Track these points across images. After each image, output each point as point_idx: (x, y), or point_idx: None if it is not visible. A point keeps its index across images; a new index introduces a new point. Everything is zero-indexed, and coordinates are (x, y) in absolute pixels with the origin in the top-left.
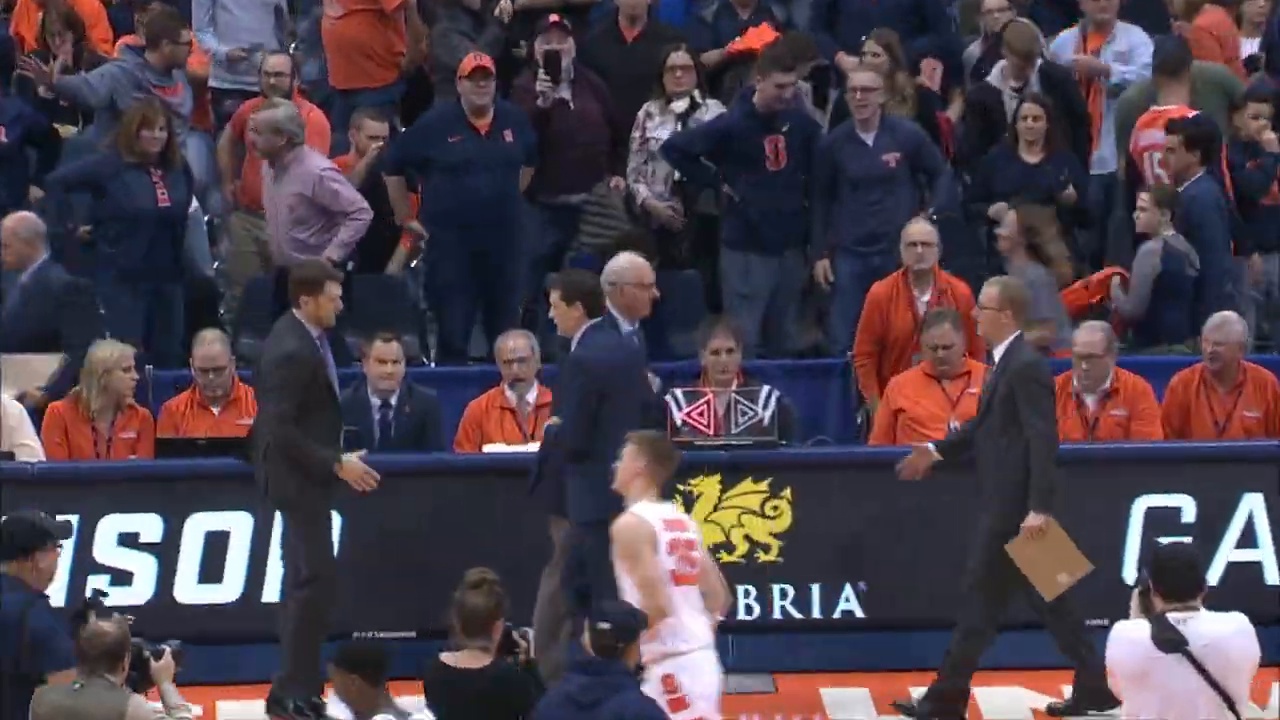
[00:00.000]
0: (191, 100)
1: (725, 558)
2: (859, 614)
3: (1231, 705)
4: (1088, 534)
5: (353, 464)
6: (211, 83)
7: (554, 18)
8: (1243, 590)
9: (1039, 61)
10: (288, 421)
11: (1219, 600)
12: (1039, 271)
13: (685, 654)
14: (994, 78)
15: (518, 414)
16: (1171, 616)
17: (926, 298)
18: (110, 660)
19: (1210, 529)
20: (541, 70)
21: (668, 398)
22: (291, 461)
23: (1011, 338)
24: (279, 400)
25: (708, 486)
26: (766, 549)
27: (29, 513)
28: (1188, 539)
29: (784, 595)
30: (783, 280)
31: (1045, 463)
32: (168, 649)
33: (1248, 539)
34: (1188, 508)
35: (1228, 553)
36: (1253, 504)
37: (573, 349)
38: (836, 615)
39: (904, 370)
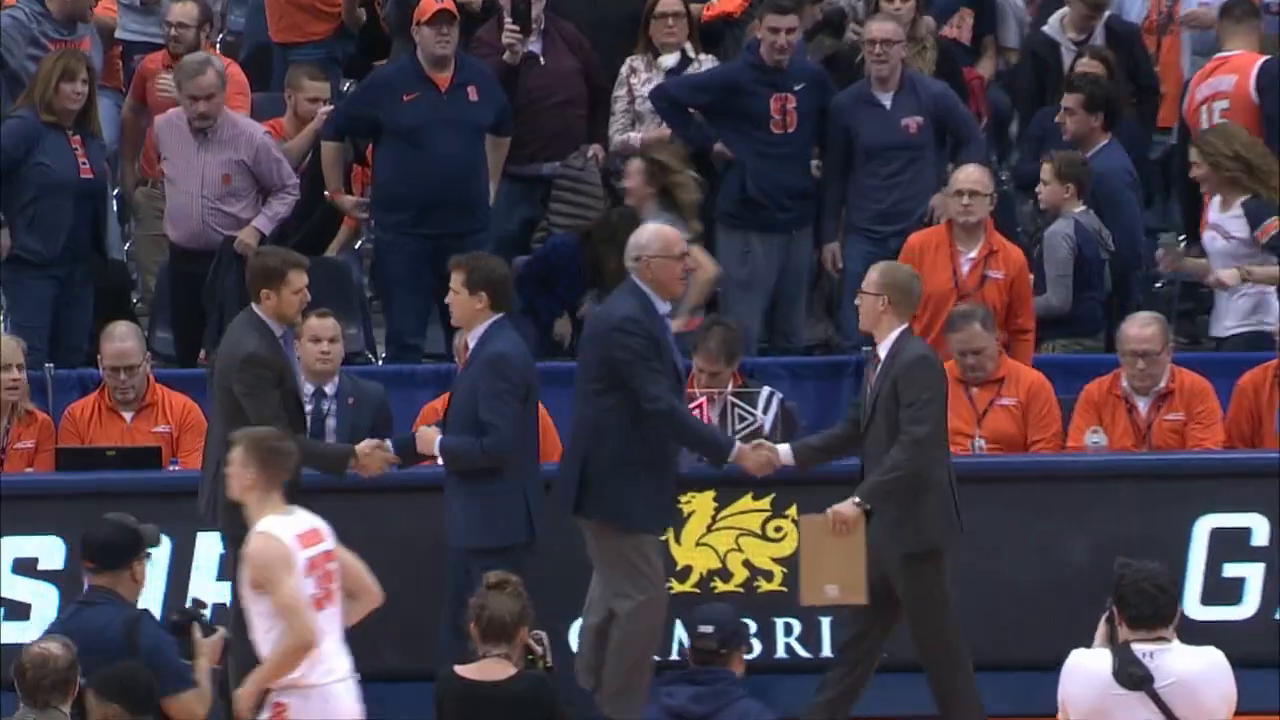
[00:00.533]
0: (101, 56)
1: (720, 586)
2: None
3: None
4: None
5: (371, 454)
6: (119, 34)
7: None
8: None
9: (1106, 13)
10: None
11: None
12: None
13: (318, 686)
14: (1052, 28)
15: None
16: (1138, 649)
17: (973, 254)
18: (63, 690)
19: None
20: (508, 19)
21: None
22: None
23: (898, 330)
24: (255, 409)
25: (700, 504)
26: (769, 576)
27: (119, 516)
28: (1260, 565)
29: (789, 631)
30: (789, 265)
31: (902, 466)
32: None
33: None
34: (1259, 528)
35: None
36: None
37: (474, 345)
38: None
39: (935, 337)
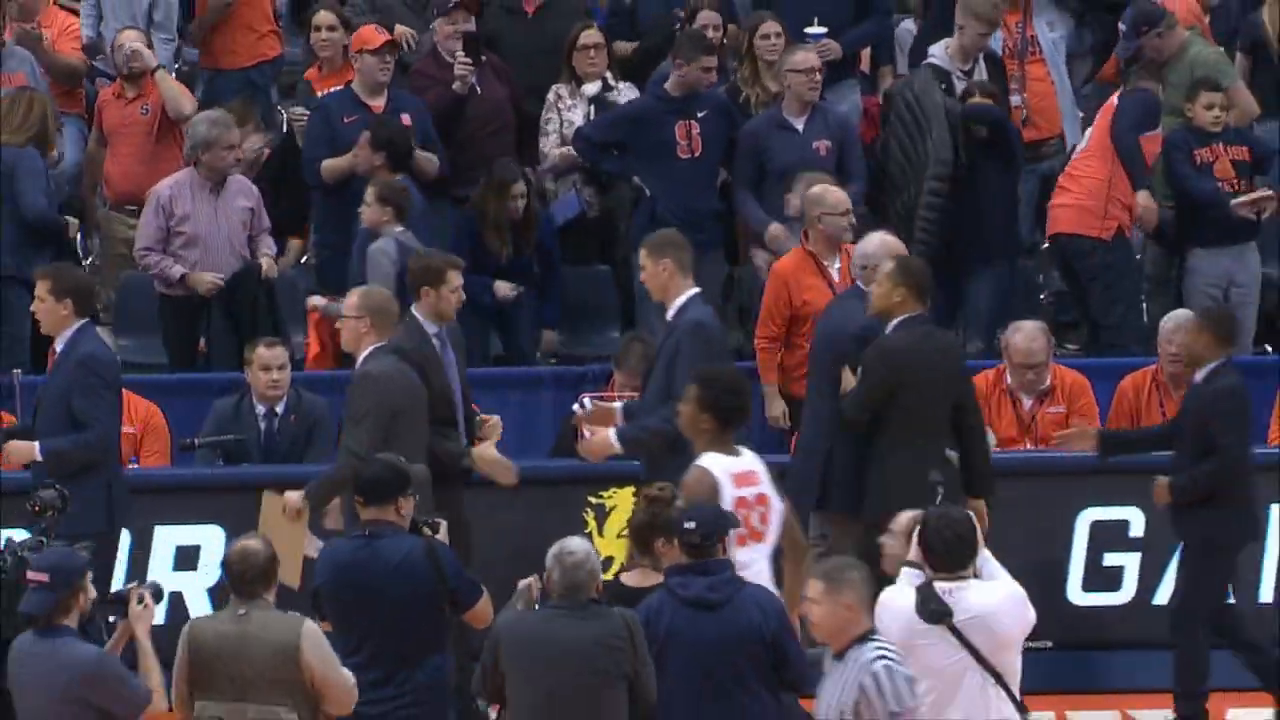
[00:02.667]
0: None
1: None
2: None
3: (1000, 680)
4: (1027, 549)
5: (486, 454)
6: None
7: None
8: None
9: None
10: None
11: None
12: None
13: None
14: (940, 58)
15: None
16: (939, 586)
17: (838, 265)
18: (266, 580)
19: (1161, 544)
20: (461, 53)
21: (575, 405)
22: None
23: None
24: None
25: (622, 499)
26: None
27: (389, 456)
28: (1137, 554)
29: None
30: (699, 282)
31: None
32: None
33: None
34: (1136, 521)
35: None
36: None
37: (63, 348)
38: None
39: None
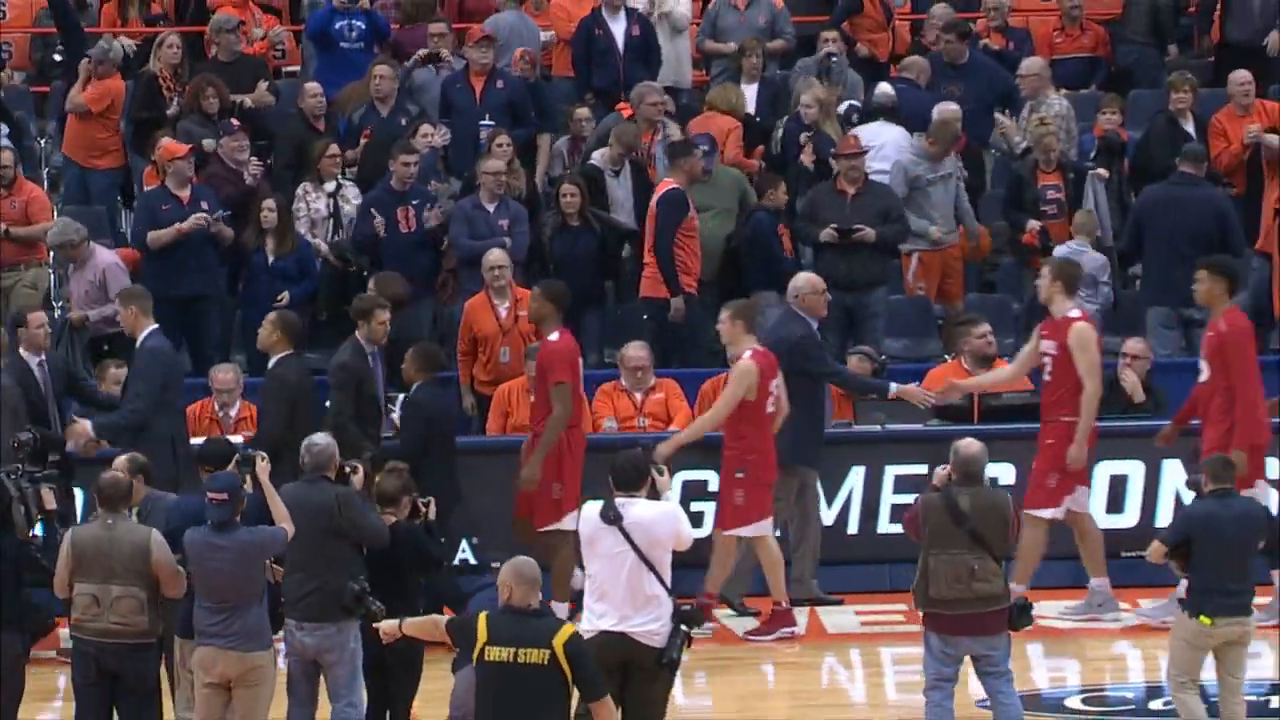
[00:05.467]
0: None
1: None
2: None
3: (653, 569)
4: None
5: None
6: None
7: (236, 121)
8: None
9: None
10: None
11: None
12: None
13: None
14: (599, 159)
15: (222, 425)
16: (618, 501)
17: (506, 304)
18: (127, 500)
19: None
20: (254, 159)
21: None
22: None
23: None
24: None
25: None
26: None
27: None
28: None
29: None
30: (417, 317)
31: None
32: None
33: None
34: None
35: None
36: None
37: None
38: None
39: (494, 361)
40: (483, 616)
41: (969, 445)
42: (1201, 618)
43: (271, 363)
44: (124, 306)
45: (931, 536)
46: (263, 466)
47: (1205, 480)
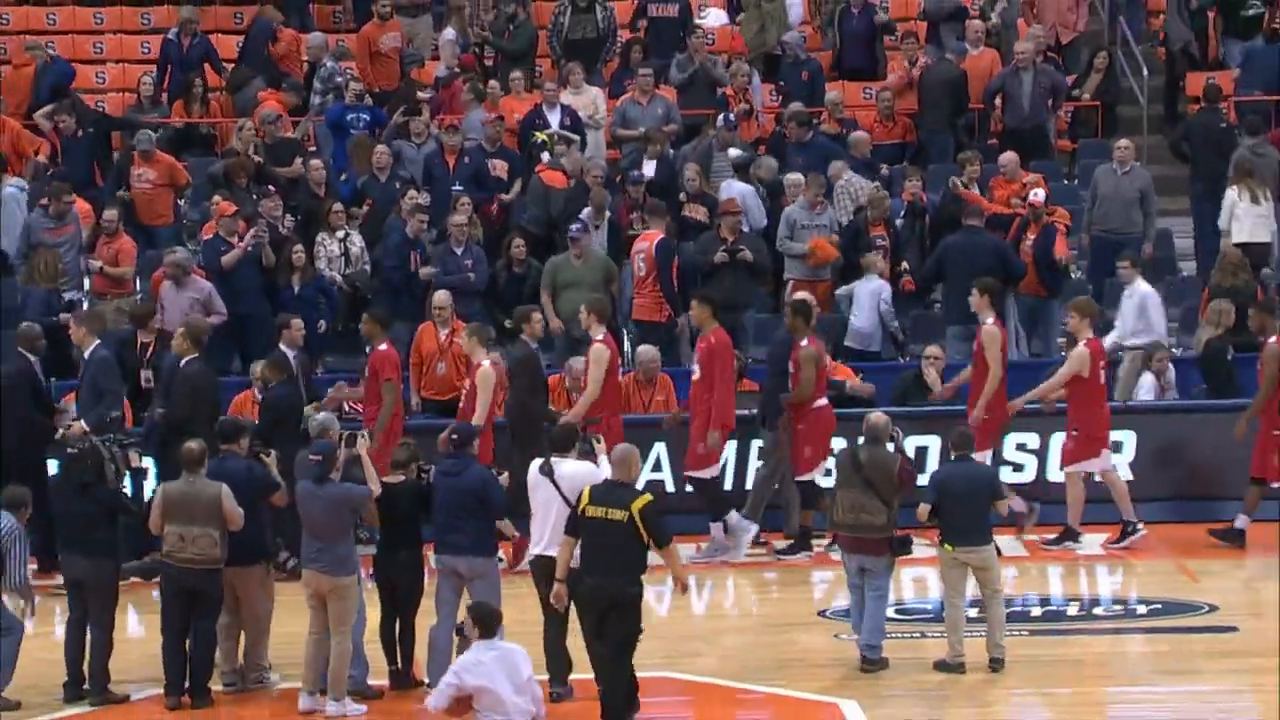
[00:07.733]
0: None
1: None
2: None
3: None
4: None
5: None
6: None
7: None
8: None
9: None
10: None
11: None
12: None
13: None
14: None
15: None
16: (554, 460)
17: (445, 330)
18: (201, 464)
19: None
20: (287, 215)
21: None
22: None
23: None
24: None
25: None
26: None
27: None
28: None
29: None
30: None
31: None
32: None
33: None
34: None
35: None
36: None
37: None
38: None
39: (433, 373)
40: (587, 488)
41: (877, 417)
42: (946, 546)
43: (183, 363)
44: (76, 325)
45: (838, 478)
46: (362, 443)
47: (952, 450)
